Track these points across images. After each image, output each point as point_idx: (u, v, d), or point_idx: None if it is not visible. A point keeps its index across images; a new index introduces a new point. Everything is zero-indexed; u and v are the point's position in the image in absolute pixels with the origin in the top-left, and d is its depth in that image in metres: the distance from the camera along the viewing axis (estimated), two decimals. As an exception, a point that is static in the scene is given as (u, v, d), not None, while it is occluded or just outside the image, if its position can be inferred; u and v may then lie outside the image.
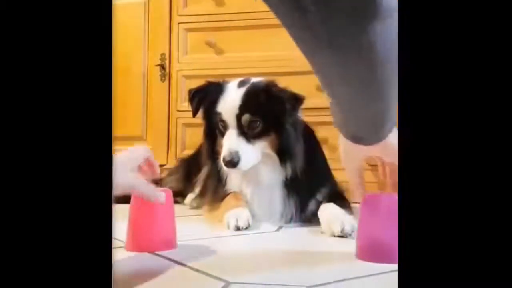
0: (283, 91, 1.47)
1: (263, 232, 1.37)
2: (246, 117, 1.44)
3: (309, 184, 1.53)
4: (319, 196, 1.53)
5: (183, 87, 2.44)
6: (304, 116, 2.23)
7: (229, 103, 1.47)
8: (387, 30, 0.68)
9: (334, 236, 1.26)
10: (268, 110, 1.44)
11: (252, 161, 1.44)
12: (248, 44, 2.33)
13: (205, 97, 1.54)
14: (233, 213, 1.39)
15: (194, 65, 2.43)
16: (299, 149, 1.50)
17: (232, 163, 1.39)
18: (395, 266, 0.88)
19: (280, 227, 1.43)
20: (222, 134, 1.49)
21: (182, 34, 2.45)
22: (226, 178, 1.58)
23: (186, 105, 2.42)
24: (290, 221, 1.49)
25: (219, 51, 2.39)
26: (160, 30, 2.49)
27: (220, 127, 1.50)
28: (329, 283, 0.82)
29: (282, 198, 1.50)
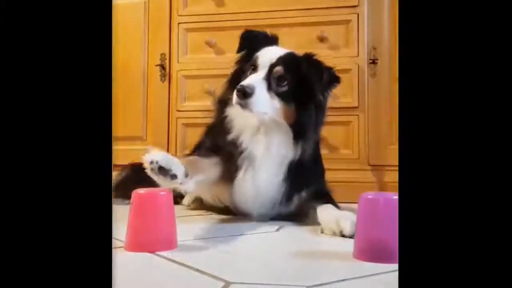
0: (325, 64, 1.48)
1: (263, 232, 1.37)
2: (278, 69, 1.44)
3: (300, 179, 1.52)
4: (304, 193, 1.53)
5: (183, 87, 2.44)
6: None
7: (270, 52, 1.50)
8: None
9: (343, 236, 1.25)
10: (301, 78, 1.45)
11: (263, 106, 1.40)
12: (248, 44, 2.32)
13: (255, 40, 1.56)
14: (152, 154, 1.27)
15: (194, 65, 2.43)
16: (312, 134, 1.49)
17: (244, 92, 1.36)
18: (395, 266, 0.88)
19: (280, 227, 1.43)
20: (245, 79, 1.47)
21: (182, 34, 2.45)
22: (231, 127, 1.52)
23: (186, 105, 2.43)
24: (273, 207, 1.50)
25: (219, 51, 2.39)
26: (160, 30, 2.49)
27: (249, 72, 1.48)
28: (329, 283, 0.82)
29: (280, 180, 1.48)
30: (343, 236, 1.24)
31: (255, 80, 1.41)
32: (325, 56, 2.26)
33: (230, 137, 1.51)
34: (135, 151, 2.49)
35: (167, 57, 2.46)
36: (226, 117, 1.54)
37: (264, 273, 0.93)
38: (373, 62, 2.21)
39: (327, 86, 1.48)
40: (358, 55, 2.23)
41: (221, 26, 2.39)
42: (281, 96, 1.44)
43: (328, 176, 2.10)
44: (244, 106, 1.38)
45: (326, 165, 2.18)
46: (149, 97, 2.51)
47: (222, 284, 0.81)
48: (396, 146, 2.05)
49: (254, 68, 1.48)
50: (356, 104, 2.22)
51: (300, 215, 1.53)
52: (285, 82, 1.45)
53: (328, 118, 2.27)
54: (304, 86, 1.45)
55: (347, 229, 1.24)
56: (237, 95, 1.38)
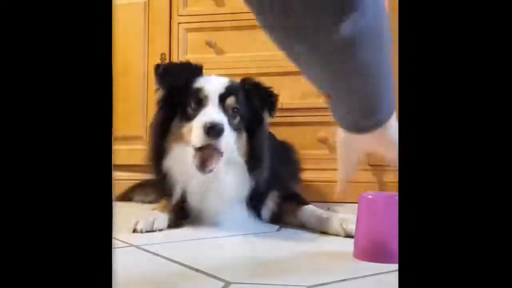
0: (265, 85, 1.38)
1: (263, 232, 1.37)
2: (231, 100, 1.30)
3: (260, 193, 1.45)
4: (270, 203, 1.47)
5: (183, 87, 2.44)
6: (304, 116, 2.24)
7: (214, 81, 1.33)
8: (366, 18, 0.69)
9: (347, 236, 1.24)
10: (249, 105, 1.34)
11: (230, 145, 1.28)
12: (248, 44, 2.32)
13: (176, 75, 1.35)
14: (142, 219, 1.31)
15: (194, 65, 2.43)
16: (267, 156, 1.39)
17: (217, 129, 1.19)
18: (395, 266, 0.88)
19: (280, 227, 1.43)
20: (189, 117, 1.27)
21: (182, 34, 2.45)
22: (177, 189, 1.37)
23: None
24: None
25: (219, 51, 2.39)
26: (160, 30, 2.49)
27: (191, 108, 1.29)
28: (329, 283, 0.82)
29: (245, 215, 1.43)
30: (347, 236, 1.24)
31: (219, 114, 1.25)
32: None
33: (175, 198, 1.38)
34: (135, 151, 2.50)
35: (167, 57, 2.47)
36: (165, 174, 1.37)
37: (264, 273, 0.93)
38: (373, 62, 2.20)
39: (273, 108, 1.37)
40: (358, 55, 2.23)
41: (221, 26, 2.39)
42: (236, 129, 1.32)
43: (329, 176, 2.11)
44: (216, 142, 1.22)
45: (326, 165, 2.19)
46: (149, 97, 2.51)
47: (222, 284, 0.81)
48: (396, 146, 2.05)
49: (199, 102, 1.28)
50: (356, 104, 2.22)
51: (280, 216, 1.48)
52: (238, 114, 1.32)
53: (328, 118, 2.28)
54: (253, 113, 1.35)
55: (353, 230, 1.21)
56: (208, 135, 1.20)
